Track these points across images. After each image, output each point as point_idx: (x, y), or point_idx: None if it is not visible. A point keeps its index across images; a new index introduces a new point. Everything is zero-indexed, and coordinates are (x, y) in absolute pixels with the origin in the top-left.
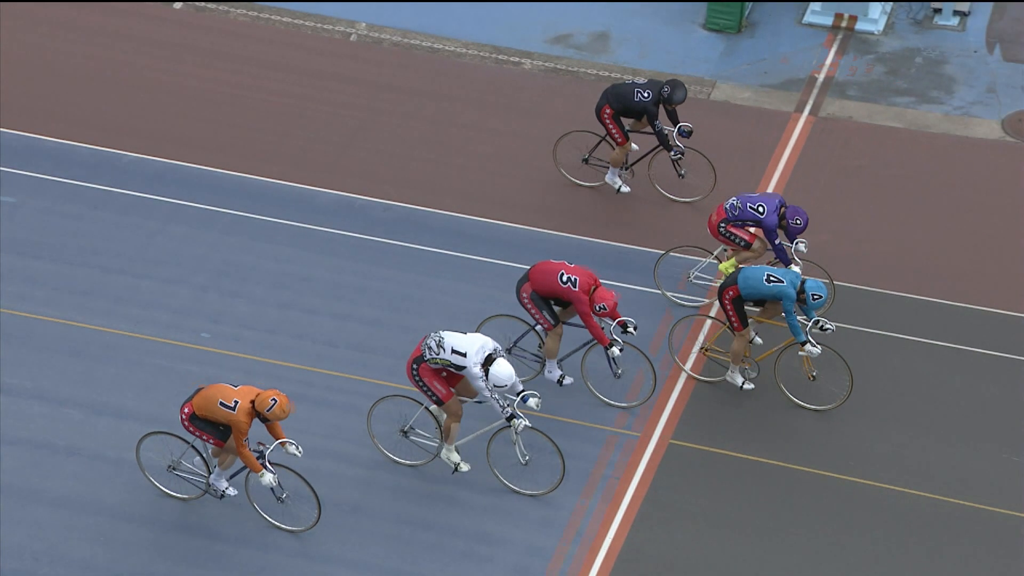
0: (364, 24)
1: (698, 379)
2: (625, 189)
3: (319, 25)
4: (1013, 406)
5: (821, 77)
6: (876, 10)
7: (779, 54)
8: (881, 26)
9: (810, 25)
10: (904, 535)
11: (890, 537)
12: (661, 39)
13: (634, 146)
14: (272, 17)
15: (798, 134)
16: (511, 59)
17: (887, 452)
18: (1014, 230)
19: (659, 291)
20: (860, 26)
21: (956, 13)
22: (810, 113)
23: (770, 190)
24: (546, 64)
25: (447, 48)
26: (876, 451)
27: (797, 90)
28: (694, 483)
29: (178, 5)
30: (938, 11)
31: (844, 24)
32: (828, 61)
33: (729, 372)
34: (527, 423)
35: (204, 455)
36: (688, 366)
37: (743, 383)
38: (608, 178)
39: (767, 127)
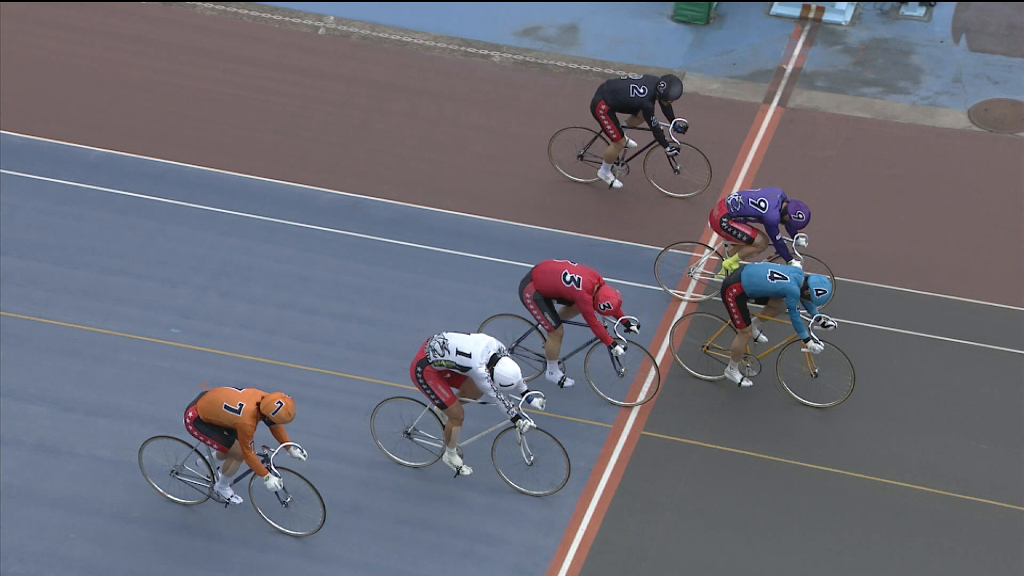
0: (332, 18)
1: (698, 377)
2: (617, 184)
3: (286, 19)
4: (1014, 400)
5: (789, 68)
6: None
7: (748, 46)
8: (848, 17)
9: (778, 16)
10: (904, 530)
11: (890, 532)
12: (630, 31)
13: (631, 142)
14: (239, 11)
15: (767, 125)
16: (480, 52)
17: (886, 447)
18: (983, 219)
19: (660, 288)
20: (828, 17)
21: (922, 3)
22: (778, 104)
23: (739, 181)
24: (515, 57)
25: (416, 41)
26: (875, 447)
27: (765, 81)
28: (667, 474)
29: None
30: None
31: (812, 15)
32: (796, 52)
33: (728, 369)
34: (532, 423)
35: (207, 459)
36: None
37: (741, 380)
38: (600, 173)
39: (736, 118)
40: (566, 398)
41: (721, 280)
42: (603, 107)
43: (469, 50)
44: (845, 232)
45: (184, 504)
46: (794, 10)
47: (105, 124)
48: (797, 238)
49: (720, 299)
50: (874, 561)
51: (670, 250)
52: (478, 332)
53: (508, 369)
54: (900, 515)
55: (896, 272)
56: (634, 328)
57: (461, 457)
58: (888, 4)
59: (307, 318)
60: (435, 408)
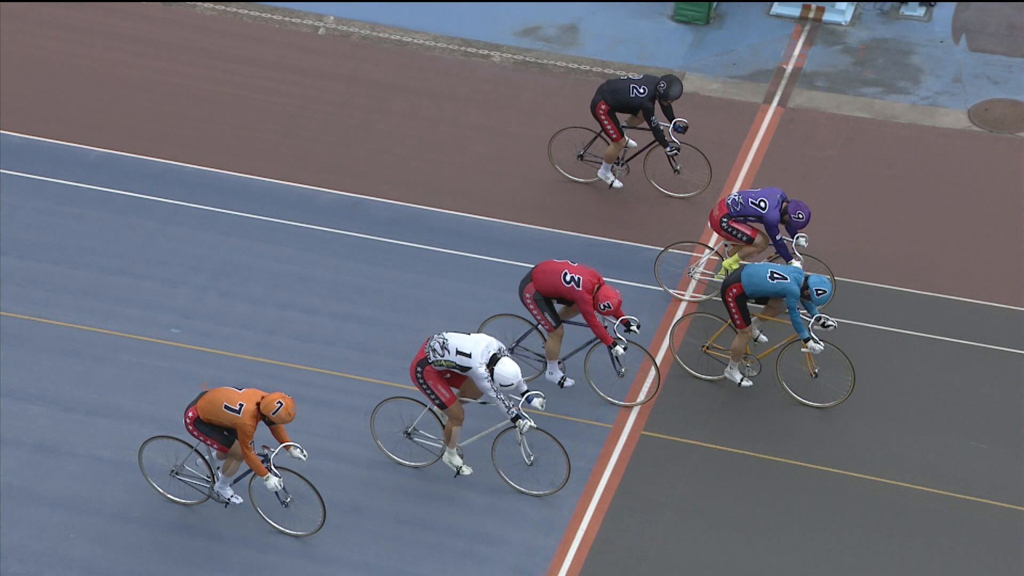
0: (332, 18)
1: (698, 377)
2: (617, 184)
3: (286, 19)
4: (1014, 400)
5: (789, 68)
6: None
7: (748, 45)
8: (848, 17)
9: (778, 16)
10: (904, 530)
11: (890, 532)
12: (630, 31)
13: (631, 142)
14: (239, 11)
15: (767, 125)
16: (480, 52)
17: (886, 447)
18: (983, 219)
19: (660, 288)
20: (828, 17)
21: (922, 3)
22: (778, 104)
23: (739, 181)
24: (515, 57)
25: (416, 41)
26: (875, 447)
27: (765, 81)
28: (667, 474)
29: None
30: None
31: (812, 15)
32: (796, 52)
33: (728, 369)
34: (532, 423)
35: (207, 459)
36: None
37: (741, 380)
38: (600, 173)
39: (736, 118)
40: (566, 398)
41: (721, 280)
42: (603, 107)
43: (469, 50)
44: (845, 232)
45: (184, 504)
46: (794, 10)
47: (105, 124)
48: (797, 238)
49: (720, 299)
50: (874, 561)
51: (670, 250)
52: (478, 332)
53: (508, 369)
54: (900, 515)
55: (896, 272)
56: (634, 328)
57: (461, 457)
58: (888, 4)
59: (307, 318)
60: (435, 408)
